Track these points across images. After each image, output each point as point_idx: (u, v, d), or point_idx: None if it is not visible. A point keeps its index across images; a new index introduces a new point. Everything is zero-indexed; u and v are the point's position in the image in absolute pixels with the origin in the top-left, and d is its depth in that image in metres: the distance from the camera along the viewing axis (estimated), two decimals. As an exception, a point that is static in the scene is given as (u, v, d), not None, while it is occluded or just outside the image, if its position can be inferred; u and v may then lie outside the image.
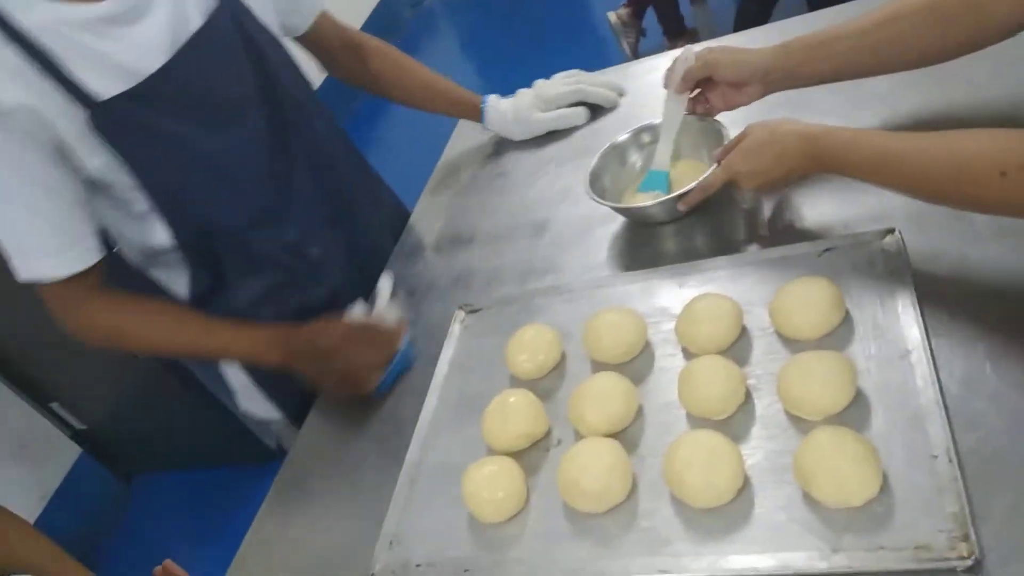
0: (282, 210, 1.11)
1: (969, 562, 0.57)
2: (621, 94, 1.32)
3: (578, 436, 0.82)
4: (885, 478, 0.64)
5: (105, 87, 0.90)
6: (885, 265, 0.80)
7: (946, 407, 0.66)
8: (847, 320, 0.77)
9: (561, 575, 0.72)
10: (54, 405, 2.54)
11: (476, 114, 1.33)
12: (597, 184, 1.06)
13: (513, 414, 0.84)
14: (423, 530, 0.82)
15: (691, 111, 1.03)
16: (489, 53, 4.35)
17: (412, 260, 1.25)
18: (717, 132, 1.01)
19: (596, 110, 1.31)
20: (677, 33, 3.18)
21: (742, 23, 2.73)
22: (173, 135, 0.97)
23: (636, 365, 0.86)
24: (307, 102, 1.15)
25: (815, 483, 0.65)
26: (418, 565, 0.79)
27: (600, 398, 0.80)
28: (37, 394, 2.51)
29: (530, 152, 1.32)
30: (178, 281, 1.11)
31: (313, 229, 1.15)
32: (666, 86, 1.03)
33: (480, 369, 0.97)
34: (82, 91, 0.89)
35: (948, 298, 0.75)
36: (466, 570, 0.76)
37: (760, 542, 0.66)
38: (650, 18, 3.23)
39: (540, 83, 1.33)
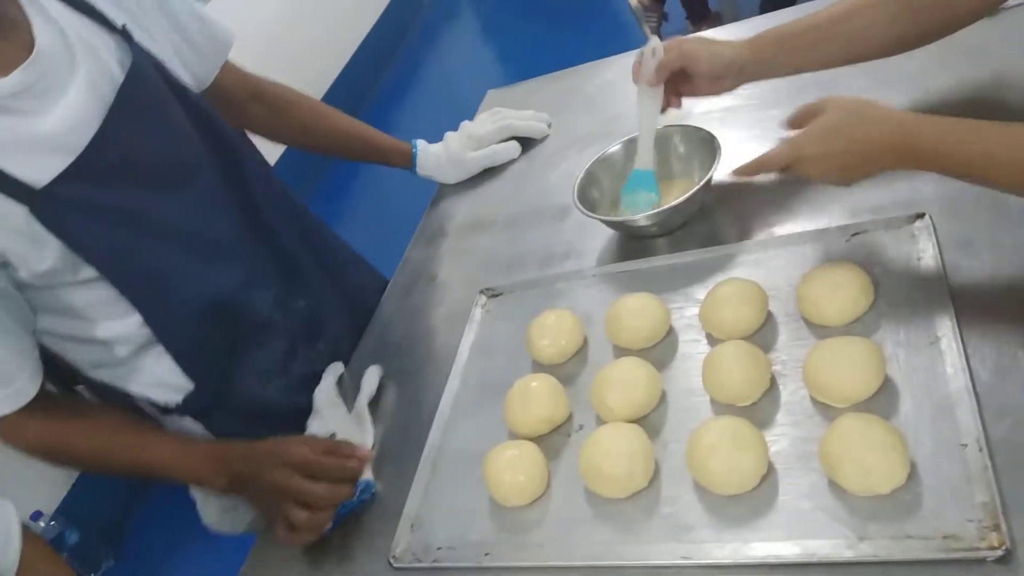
0: (261, 264, 1.02)
1: (999, 552, 0.56)
2: (549, 124, 1.33)
3: (600, 421, 0.81)
4: (913, 466, 0.63)
5: (39, 171, 0.79)
6: (915, 250, 0.79)
7: (976, 394, 0.65)
8: (875, 306, 0.76)
9: (582, 559, 0.72)
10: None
11: (407, 161, 1.29)
12: (587, 196, 1.03)
13: (535, 399, 0.84)
14: (444, 513, 0.83)
15: (664, 106, 0.98)
16: (509, 38, 4.33)
17: (433, 244, 1.25)
18: (709, 142, 0.98)
19: (527, 142, 1.32)
20: (700, 16, 3.14)
21: (769, 5, 2.69)
22: (129, 209, 0.86)
23: (659, 350, 0.85)
24: (250, 150, 1.06)
25: (841, 471, 0.64)
26: (439, 548, 0.79)
27: (623, 383, 0.80)
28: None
29: (552, 136, 1.32)
30: (157, 387, 0.97)
31: (297, 278, 1.06)
32: (636, 80, 0.97)
33: (501, 354, 0.97)
34: (15, 183, 0.77)
35: (979, 284, 0.73)
36: (487, 553, 0.76)
37: (784, 530, 0.65)
38: (672, 2, 3.19)
39: (466, 124, 1.32)
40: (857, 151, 0.76)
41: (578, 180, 1.04)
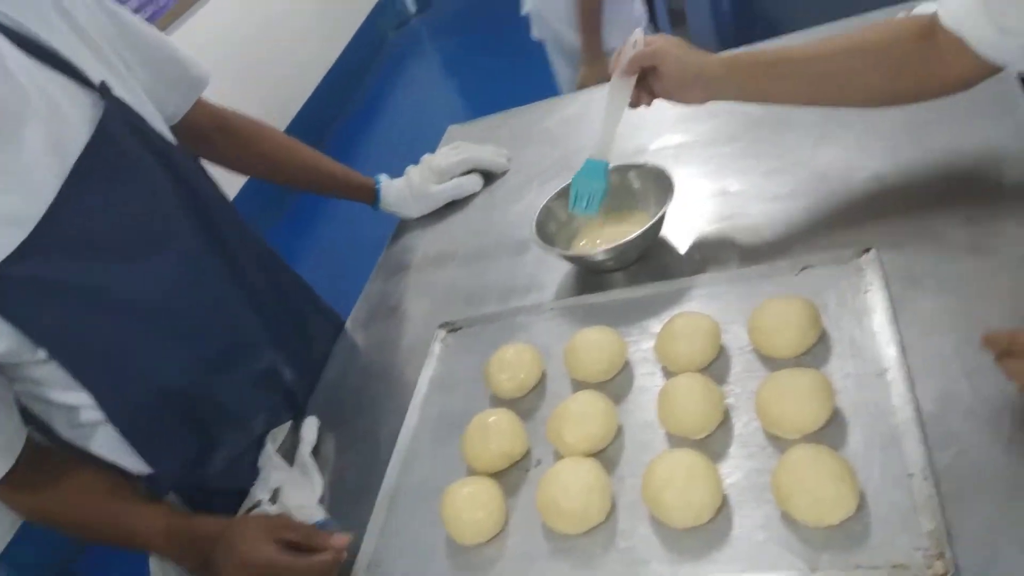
0: (250, 333, 0.99)
1: (945, 580, 0.57)
2: (509, 159, 1.35)
3: (558, 456, 0.81)
4: (862, 496, 0.64)
5: None
6: (862, 283, 0.81)
7: (922, 425, 0.66)
8: (824, 338, 0.78)
9: (540, 596, 0.71)
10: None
11: (369, 196, 1.29)
12: (545, 230, 1.03)
13: (493, 434, 0.83)
14: (402, 552, 0.82)
15: (635, 101, 0.95)
16: (473, 73, 4.37)
17: (394, 278, 1.24)
18: (663, 178, 0.99)
19: (488, 177, 1.34)
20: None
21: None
22: (89, 286, 0.81)
23: (616, 384, 0.86)
24: (225, 201, 1.03)
25: (792, 502, 0.64)
26: (396, 587, 0.78)
27: (579, 418, 0.80)
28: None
29: (513, 170, 1.33)
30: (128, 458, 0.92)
31: (281, 345, 1.03)
32: (611, 69, 0.95)
33: (460, 388, 0.96)
34: None
35: (924, 315, 0.75)
36: (445, 592, 0.76)
37: (739, 561, 0.65)
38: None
39: (428, 157, 1.33)
40: None
41: (536, 214, 1.05)
